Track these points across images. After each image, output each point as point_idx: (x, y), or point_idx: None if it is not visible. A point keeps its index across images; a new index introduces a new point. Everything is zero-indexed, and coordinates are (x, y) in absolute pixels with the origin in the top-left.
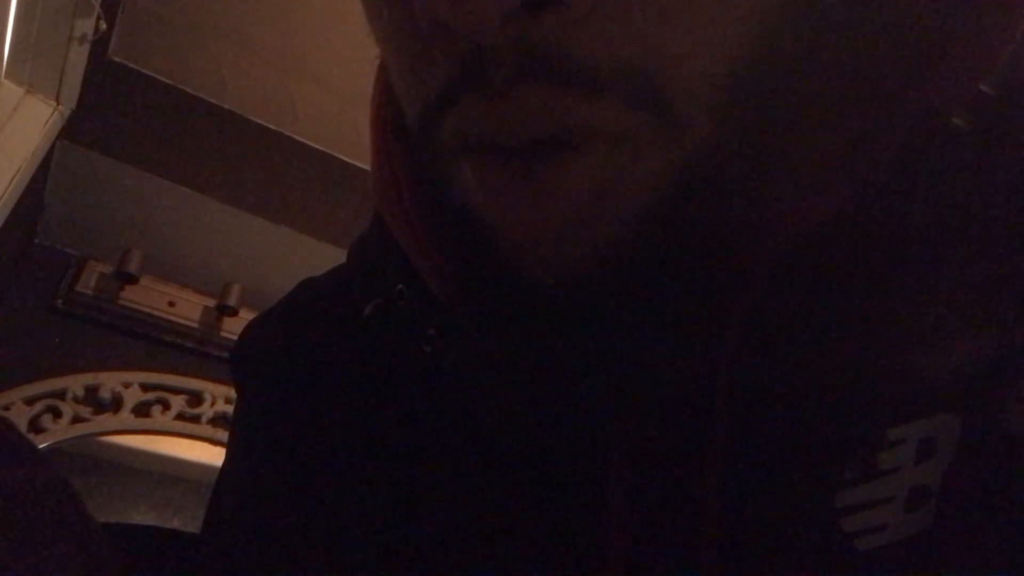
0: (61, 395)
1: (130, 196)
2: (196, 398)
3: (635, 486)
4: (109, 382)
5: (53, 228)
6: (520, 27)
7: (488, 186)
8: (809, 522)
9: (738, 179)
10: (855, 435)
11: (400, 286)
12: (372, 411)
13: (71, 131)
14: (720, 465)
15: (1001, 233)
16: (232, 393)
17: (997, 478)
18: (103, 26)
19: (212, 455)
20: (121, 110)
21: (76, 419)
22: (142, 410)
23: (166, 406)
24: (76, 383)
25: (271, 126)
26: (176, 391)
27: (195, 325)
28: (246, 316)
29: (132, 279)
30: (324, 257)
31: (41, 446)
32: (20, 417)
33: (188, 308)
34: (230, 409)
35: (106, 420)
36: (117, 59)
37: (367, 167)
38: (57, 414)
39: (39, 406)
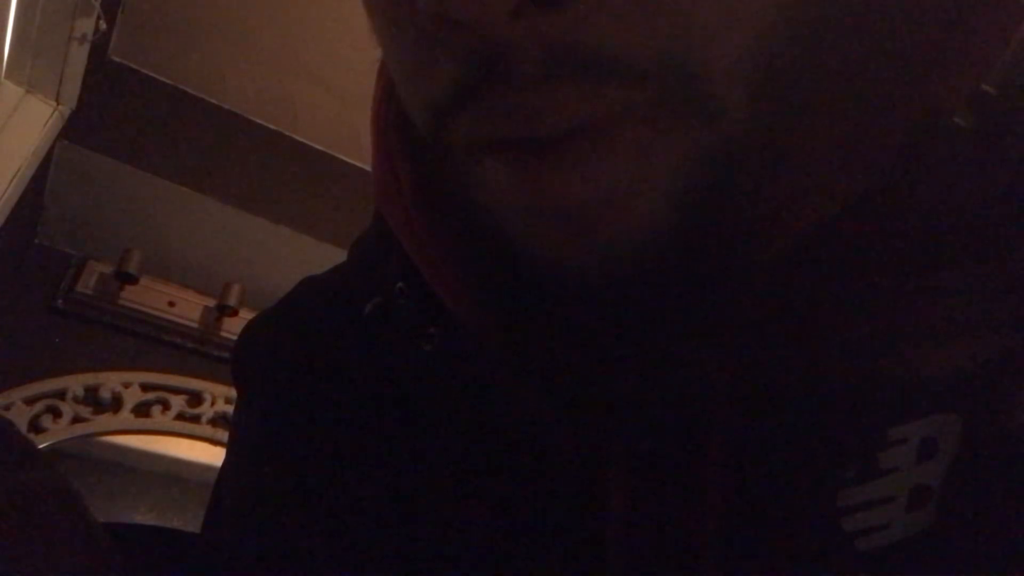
0: (61, 395)
1: (130, 196)
2: (196, 398)
3: (636, 486)
4: (109, 382)
5: (53, 228)
6: (533, 17)
7: (518, 178)
8: (810, 522)
9: (759, 170)
10: (856, 434)
11: (400, 285)
12: (372, 410)
13: (71, 131)
14: (721, 465)
15: (1002, 232)
16: (232, 393)
17: (999, 478)
18: (103, 26)
19: (212, 455)
20: (121, 110)
21: (76, 419)
22: (142, 410)
23: (166, 406)
24: (76, 383)
25: (271, 126)
26: (176, 391)
27: (195, 325)
28: (246, 316)
29: (132, 279)
30: (324, 257)
31: (41, 446)
32: (20, 417)
33: (188, 308)
34: (230, 409)
35: (106, 420)
36: (117, 59)
37: (367, 167)
38: (57, 414)
39: (39, 406)
